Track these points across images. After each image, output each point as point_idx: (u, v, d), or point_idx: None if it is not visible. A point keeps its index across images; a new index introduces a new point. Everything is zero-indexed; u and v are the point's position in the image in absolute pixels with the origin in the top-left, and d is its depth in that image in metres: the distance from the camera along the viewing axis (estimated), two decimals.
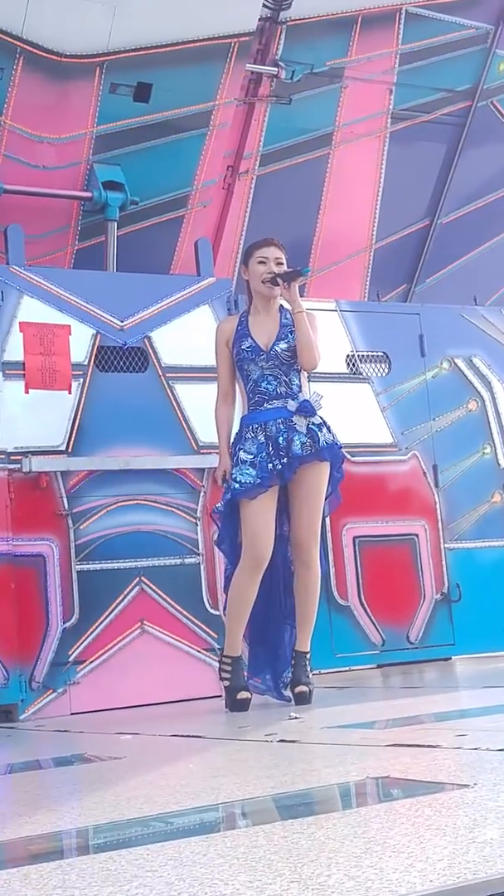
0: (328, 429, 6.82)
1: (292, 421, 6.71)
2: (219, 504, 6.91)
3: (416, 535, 8.97)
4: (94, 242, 9.21)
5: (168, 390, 8.04)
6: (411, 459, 9.07)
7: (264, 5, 9.41)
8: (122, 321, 8.02)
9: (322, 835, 2.96)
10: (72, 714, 7.36)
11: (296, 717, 6.00)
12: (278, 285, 6.84)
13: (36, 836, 3.40)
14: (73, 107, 8.92)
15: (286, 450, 6.66)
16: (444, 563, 9.03)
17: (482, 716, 5.45)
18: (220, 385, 7.02)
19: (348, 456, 8.51)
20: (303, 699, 6.74)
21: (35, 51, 8.63)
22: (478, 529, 9.24)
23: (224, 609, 7.15)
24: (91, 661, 7.53)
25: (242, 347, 6.85)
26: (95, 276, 8.42)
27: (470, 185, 10.83)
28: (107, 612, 7.61)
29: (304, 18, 9.64)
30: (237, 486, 6.67)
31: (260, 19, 9.43)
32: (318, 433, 6.73)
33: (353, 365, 8.98)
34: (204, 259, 8.52)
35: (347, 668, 8.65)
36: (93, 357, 7.88)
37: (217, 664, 7.14)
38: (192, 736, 5.78)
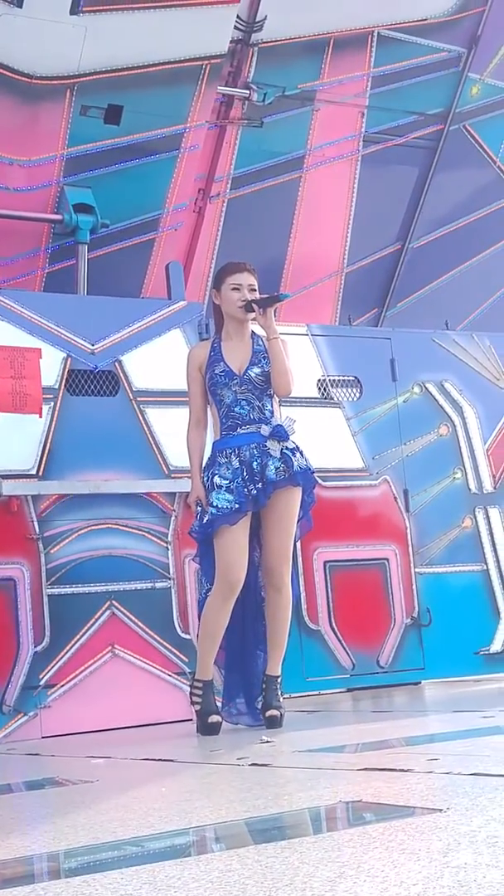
0: (301, 453, 6.83)
1: (266, 446, 6.72)
2: (195, 524, 6.87)
3: (387, 560, 8.97)
4: (64, 265, 9.20)
5: (139, 414, 8.03)
6: (382, 484, 9.07)
7: (236, 27, 9.43)
8: (92, 345, 8.01)
9: (296, 859, 2.94)
10: (42, 738, 7.34)
11: (267, 741, 5.98)
12: (253, 311, 6.86)
13: (9, 859, 3.38)
14: (44, 129, 8.93)
15: (261, 475, 6.67)
16: (414, 587, 9.03)
17: (452, 740, 5.43)
18: (193, 411, 7.00)
19: (319, 481, 8.52)
20: (274, 723, 6.72)
21: (5, 73, 8.63)
22: (448, 554, 9.24)
23: (198, 634, 7.13)
24: (62, 685, 7.51)
25: (216, 372, 6.84)
26: (66, 300, 8.42)
27: (442, 208, 10.86)
28: (77, 636, 7.60)
29: (275, 41, 9.67)
30: (215, 511, 6.66)
31: (231, 41, 9.45)
32: (292, 458, 6.73)
33: (325, 389, 8.98)
34: (175, 282, 8.52)
35: (317, 692, 8.64)
36: (63, 381, 7.86)
37: (188, 688, 7.12)
38: (164, 759, 5.76)
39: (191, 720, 7.12)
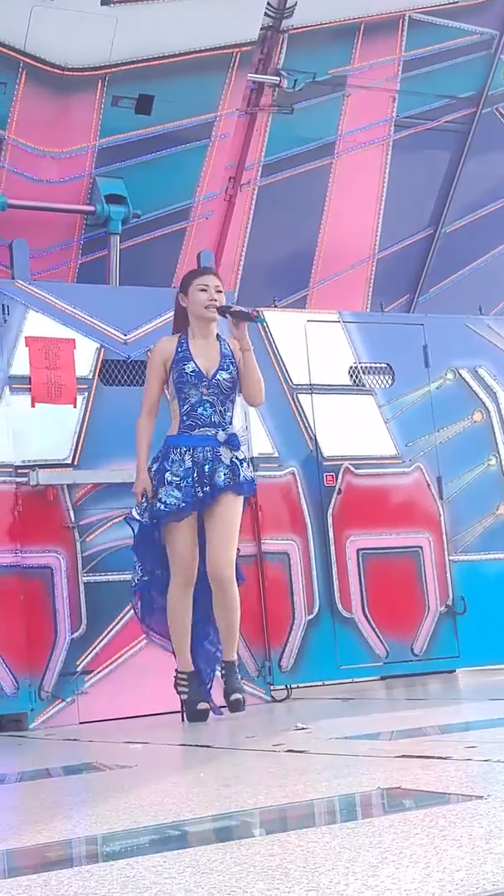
0: (248, 464, 7.11)
1: (219, 451, 6.93)
2: (135, 511, 7.01)
3: (421, 548, 8.95)
4: (97, 256, 9.22)
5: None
6: (415, 471, 9.04)
7: (266, 14, 9.42)
8: (125, 335, 8.04)
9: (337, 844, 2.95)
10: (80, 723, 7.40)
11: (302, 728, 5.99)
12: (223, 316, 7.08)
13: (53, 842, 3.41)
14: (76, 120, 8.95)
15: (209, 478, 6.88)
16: (448, 575, 9.00)
17: (489, 728, 5.42)
18: (148, 400, 7.17)
19: (351, 468, 8.56)
20: (237, 706, 6.87)
21: (37, 64, 8.65)
22: (482, 541, 9.20)
23: (143, 625, 7.26)
24: (99, 671, 7.57)
25: (186, 370, 7.01)
26: (99, 290, 8.47)
27: (474, 193, 10.81)
28: (113, 623, 7.64)
29: (306, 27, 9.66)
30: (162, 507, 6.88)
31: (262, 28, 9.44)
32: (240, 468, 6.96)
33: (357, 377, 8.96)
34: None
35: (351, 680, 8.65)
36: (97, 371, 7.90)
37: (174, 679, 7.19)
38: (201, 745, 5.79)
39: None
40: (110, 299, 8.27)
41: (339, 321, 9.00)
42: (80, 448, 7.74)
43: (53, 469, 7.63)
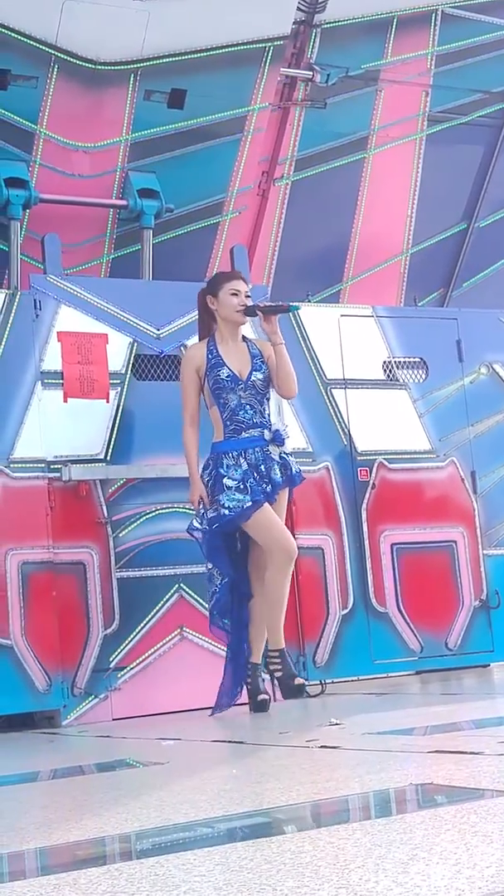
0: (293, 458, 7.26)
1: (268, 450, 7.05)
2: (197, 521, 7.12)
3: (455, 542, 8.92)
4: (129, 251, 9.22)
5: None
6: (449, 466, 9.02)
7: (299, 8, 9.40)
8: (158, 329, 8.04)
9: (368, 841, 2.94)
10: (113, 720, 7.40)
11: (336, 723, 5.98)
12: (252, 315, 7.16)
13: (83, 840, 3.41)
14: (108, 114, 8.95)
15: (268, 476, 6.99)
16: (482, 569, 8.97)
17: None
18: (189, 410, 7.23)
19: (385, 462, 8.55)
20: (300, 691, 7.02)
21: (70, 58, 8.65)
22: None
23: (215, 627, 7.32)
24: (131, 668, 7.57)
25: (221, 376, 7.09)
26: (131, 285, 8.45)
27: None
28: (147, 619, 7.65)
29: (338, 21, 9.63)
30: (227, 511, 6.92)
31: (294, 23, 9.42)
32: (289, 461, 7.14)
33: (390, 371, 8.93)
34: (240, 266, 8.49)
35: (386, 675, 8.63)
36: (130, 365, 7.90)
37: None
38: (233, 742, 5.79)
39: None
40: (143, 294, 8.27)
41: (372, 316, 8.99)
42: (112, 443, 7.74)
43: (86, 464, 7.62)
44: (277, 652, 7.07)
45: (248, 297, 7.21)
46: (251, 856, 2.86)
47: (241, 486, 6.92)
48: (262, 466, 7.00)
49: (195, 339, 8.00)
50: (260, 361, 7.17)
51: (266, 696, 7.10)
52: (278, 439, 7.09)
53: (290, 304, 7.24)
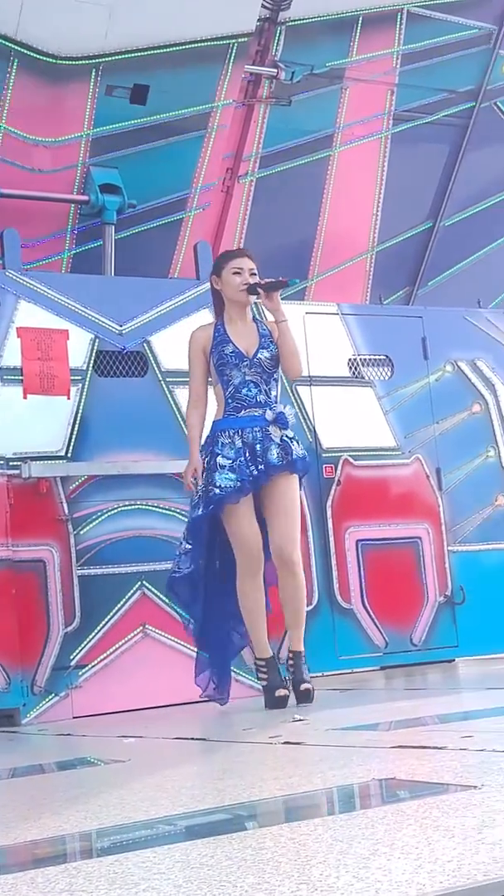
0: (298, 443, 6.97)
1: (268, 430, 6.82)
2: (200, 510, 6.86)
3: (420, 538, 8.94)
4: (91, 247, 9.17)
5: (168, 394, 8.01)
6: (414, 463, 9.04)
7: (263, 6, 9.37)
8: (120, 325, 7.99)
9: (329, 836, 2.92)
10: (74, 718, 7.34)
11: (300, 720, 5.96)
12: (256, 294, 6.98)
13: (41, 839, 3.38)
14: (69, 109, 8.89)
15: (262, 457, 6.77)
16: (447, 565, 9.00)
17: (486, 717, 5.42)
18: (194, 390, 7.07)
19: (350, 459, 8.54)
20: (307, 697, 6.77)
21: (31, 53, 8.59)
22: (481, 532, 9.22)
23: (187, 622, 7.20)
24: (93, 665, 7.51)
25: (226, 352, 6.91)
26: (93, 281, 8.39)
27: (473, 186, 10.78)
28: (108, 617, 7.59)
29: (303, 18, 9.60)
30: (217, 490, 6.75)
31: (259, 20, 9.39)
32: (291, 445, 6.86)
33: (356, 368, 8.94)
34: (203, 263, 8.46)
35: (350, 671, 8.64)
36: (91, 362, 7.85)
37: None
38: (196, 739, 5.76)
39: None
40: (105, 290, 8.21)
41: (337, 313, 9.01)
42: (73, 440, 7.68)
43: (46, 461, 7.56)
44: (264, 661, 6.97)
45: (254, 274, 7.01)
46: (212, 853, 2.84)
47: (234, 466, 6.74)
48: (259, 446, 6.76)
49: (158, 334, 8.00)
50: (269, 341, 6.97)
51: (309, 687, 6.81)
52: (281, 420, 6.83)
53: (288, 279, 7.10)
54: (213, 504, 6.77)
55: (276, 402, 6.95)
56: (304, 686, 6.80)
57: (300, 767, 4.37)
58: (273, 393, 6.96)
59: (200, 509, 6.86)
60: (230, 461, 6.75)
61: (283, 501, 6.84)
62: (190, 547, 7.01)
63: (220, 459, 6.77)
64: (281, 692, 6.85)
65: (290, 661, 6.93)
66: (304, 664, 6.89)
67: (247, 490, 6.74)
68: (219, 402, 6.97)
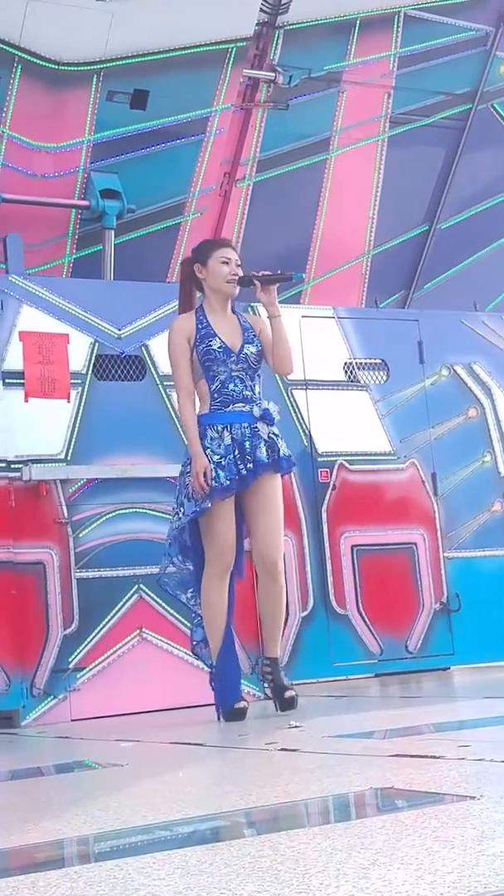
0: (283, 441, 6.78)
1: (257, 427, 6.68)
2: (196, 508, 6.61)
3: (415, 544, 8.93)
4: (91, 251, 9.19)
5: (166, 398, 8.02)
6: (410, 468, 9.03)
7: (262, 10, 9.40)
8: (119, 329, 8.02)
9: (328, 845, 2.92)
10: (72, 720, 7.37)
11: (296, 726, 5.96)
12: (245, 286, 6.81)
13: (42, 843, 3.38)
14: (70, 115, 8.92)
15: (252, 455, 6.62)
16: (443, 572, 8.98)
17: (483, 727, 5.40)
18: (184, 384, 6.77)
19: (346, 463, 8.55)
20: (293, 704, 6.64)
21: (32, 58, 8.63)
22: (477, 538, 9.19)
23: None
24: (91, 668, 7.54)
25: (213, 347, 6.69)
26: (93, 285, 8.43)
27: (469, 189, 10.80)
28: (106, 620, 7.62)
29: (301, 22, 9.63)
30: (213, 483, 6.54)
31: (257, 24, 9.42)
32: (277, 443, 6.71)
33: (351, 372, 8.94)
34: None
35: (345, 678, 8.61)
36: (91, 365, 7.87)
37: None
38: (193, 744, 5.76)
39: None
40: (104, 294, 8.24)
41: (333, 317, 8.99)
42: (73, 443, 7.71)
43: (46, 464, 7.59)
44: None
45: (239, 265, 6.85)
46: (210, 859, 2.85)
47: (222, 462, 6.56)
48: (248, 444, 6.57)
49: (156, 339, 8.00)
50: (252, 335, 6.78)
51: (293, 693, 6.67)
52: (267, 417, 6.66)
53: (292, 272, 6.98)
54: (209, 500, 6.55)
55: (260, 398, 6.78)
56: (287, 693, 6.67)
57: (297, 775, 4.37)
58: (258, 388, 6.79)
59: (190, 506, 6.63)
60: (219, 457, 6.57)
61: (268, 503, 6.70)
62: (188, 545, 6.83)
63: (208, 454, 6.59)
64: (241, 704, 6.70)
65: (267, 668, 6.79)
66: (281, 670, 6.80)
67: (233, 489, 6.59)
68: (202, 399, 6.77)
